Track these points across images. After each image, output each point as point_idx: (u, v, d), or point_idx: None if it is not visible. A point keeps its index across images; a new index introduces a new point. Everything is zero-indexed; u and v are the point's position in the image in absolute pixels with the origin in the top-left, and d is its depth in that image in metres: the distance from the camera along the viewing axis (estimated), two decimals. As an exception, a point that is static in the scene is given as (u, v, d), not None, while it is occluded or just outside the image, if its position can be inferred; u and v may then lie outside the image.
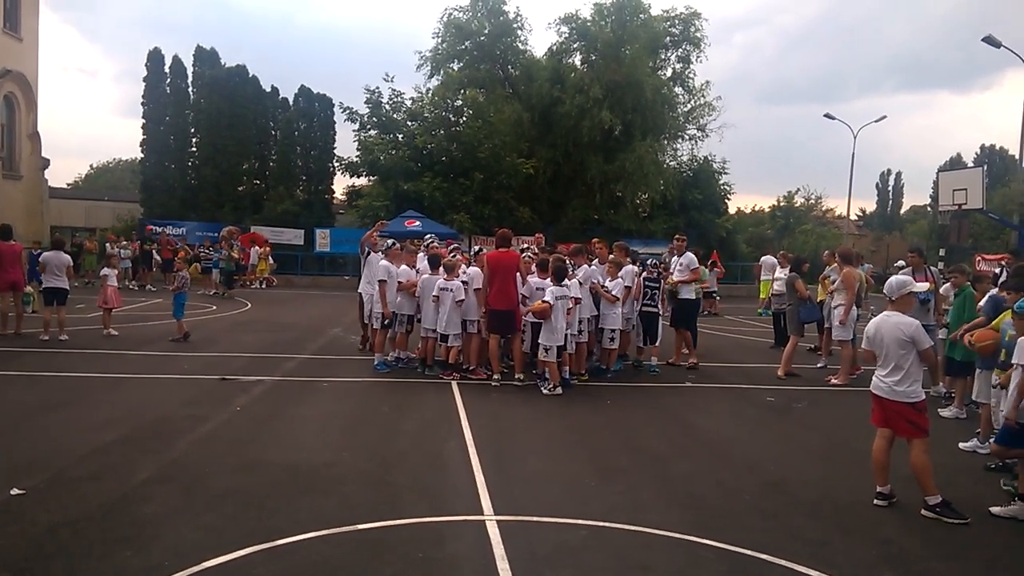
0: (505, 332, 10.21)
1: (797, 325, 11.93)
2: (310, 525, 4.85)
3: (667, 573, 4.44)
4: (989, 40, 23.70)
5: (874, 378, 5.83)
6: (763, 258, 22.53)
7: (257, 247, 29.31)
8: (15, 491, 5.32)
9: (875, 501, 5.70)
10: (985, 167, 27.52)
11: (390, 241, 11.74)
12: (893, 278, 5.99)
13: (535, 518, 5.15)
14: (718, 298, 23.84)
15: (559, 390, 9.61)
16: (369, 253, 11.71)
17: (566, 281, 9.80)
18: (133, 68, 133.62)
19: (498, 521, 5.05)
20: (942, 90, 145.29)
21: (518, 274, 10.25)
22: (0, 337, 12.67)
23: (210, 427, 7.38)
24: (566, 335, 9.80)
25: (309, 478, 5.91)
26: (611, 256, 11.54)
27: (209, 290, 24.07)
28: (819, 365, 12.29)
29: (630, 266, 11.42)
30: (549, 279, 9.77)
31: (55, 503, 5.17)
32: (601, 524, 5.06)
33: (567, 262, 10.42)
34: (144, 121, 36.33)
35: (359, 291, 12.11)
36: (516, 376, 10.12)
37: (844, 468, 6.77)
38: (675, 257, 12.46)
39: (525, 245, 11.66)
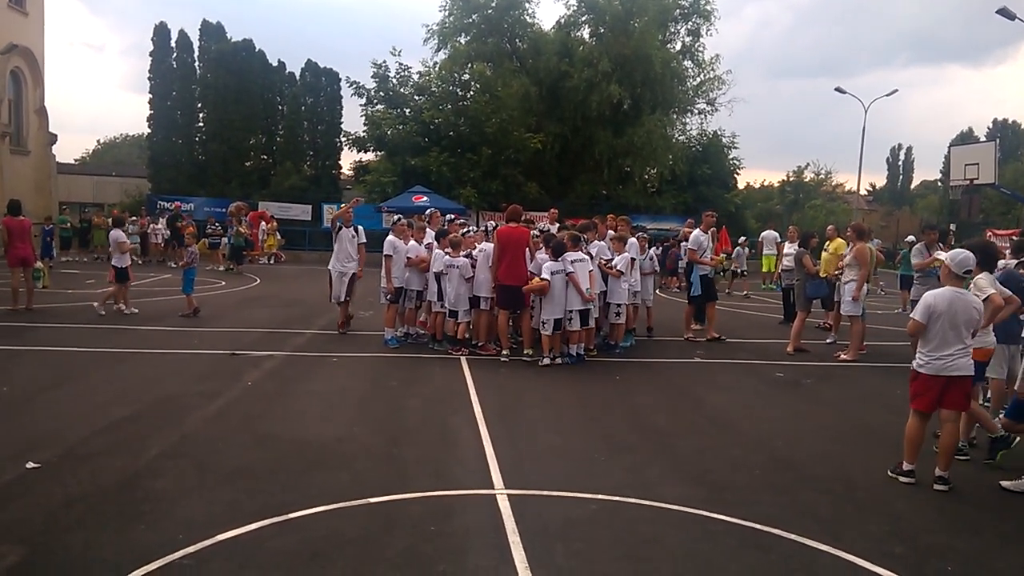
0: (514, 307, 10.21)
1: (804, 300, 11.91)
2: (321, 499, 4.88)
3: (677, 547, 4.46)
4: (1004, 12, 23.33)
5: (935, 360, 5.52)
6: (763, 233, 22.44)
7: (264, 223, 29.31)
8: (31, 464, 5.37)
9: (904, 479, 5.64)
10: (997, 141, 27.21)
11: (396, 216, 11.73)
12: (960, 253, 5.86)
13: (545, 492, 5.17)
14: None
15: (559, 360, 9.81)
16: (341, 229, 11.66)
17: (566, 255, 9.78)
18: (140, 42, 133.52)
19: (508, 495, 5.07)
20: (954, 64, 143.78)
21: (527, 250, 10.23)
22: (11, 312, 12.72)
23: (221, 402, 7.42)
24: (577, 310, 9.79)
25: (320, 453, 5.94)
26: (615, 232, 11.50)
27: (218, 266, 24.12)
28: (828, 341, 12.26)
29: (632, 239, 11.40)
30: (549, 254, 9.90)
31: (70, 477, 5.22)
32: (611, 498, 5.08)
33: (582, 238, 10.41)
34: (151, 96, 36.22)
35: (328, 267, 11.86)
36: (524, 352, 10.15)
37: (854, 444, 6.77)
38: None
39: (543, 224, 11.61)
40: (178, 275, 14.47)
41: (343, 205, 12.59)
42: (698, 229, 12.54)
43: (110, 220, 16.38)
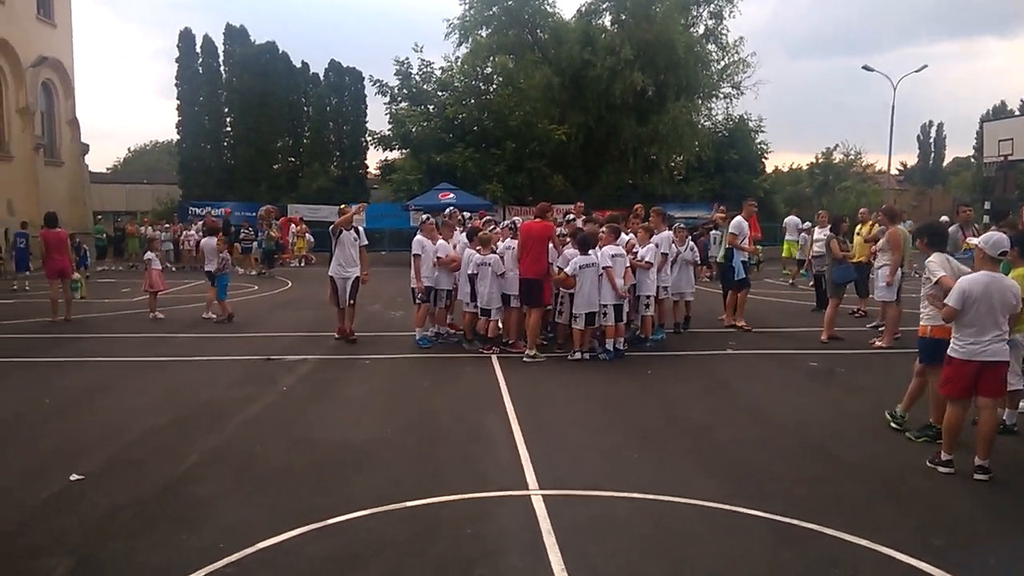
0: (533, 303, 10.16)
1: (833, 287, 11.75)
2: (360, 503, 4.95)
3: (712, 543, 4.46)
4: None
5: (971, 345, 5.41)
6: (787, 219, 22.18)
7: (294, 225, 29.60)
8: (75, 476, 5.50)
9: (943, 469, 5.56)
10: (1032, 115, 26.64)
11: (424, 216, 11.77)
12: (993, 235, 5.78)
13: (579, 492, 5.20)
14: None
15: (586, 356, 9.87)
16: (341, 232, 11.17)
17: (605, 249, 9.79)
18: (166, 47, 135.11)
19: (543, 495, 5.10)
20: (985, 36, 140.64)
21: (551, 246, 10.24)
22: (51, 324, 13.00)
23: (257, 408, 7.54)
24: (612, 304, 9.79)
25: (356, 456, 6.02)
26: (645, 222, 11.48)
27: (250, 270, 24.42)
28: (871, 325, 12.13)
29: (666, 232, 11.34)
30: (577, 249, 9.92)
31: (113, 487, 5.34)
32: (644, 496, 5.08)
33: (619, 229, 10.40)
34: (179, 102, 36.77)
35: (330, 274, 11.30)
36: (527, 352, 9.98)
37: (890, 433, 6.70)
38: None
39: (571, 216, 11.58)
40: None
41: (343, 207, 12.15)
42: (740, 216, 12.59)
43: (203, 230, 16.57)
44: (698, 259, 12.70)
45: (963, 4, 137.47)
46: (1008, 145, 21.39)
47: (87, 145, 35.11)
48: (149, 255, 14.44)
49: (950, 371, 5.60)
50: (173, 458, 5.95)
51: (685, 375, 9.33)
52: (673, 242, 11.54)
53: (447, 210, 12.77)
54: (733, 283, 12.43)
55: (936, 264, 6.08)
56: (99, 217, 33.75)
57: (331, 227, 11.46)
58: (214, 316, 13.53)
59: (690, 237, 12.98)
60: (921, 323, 6.36)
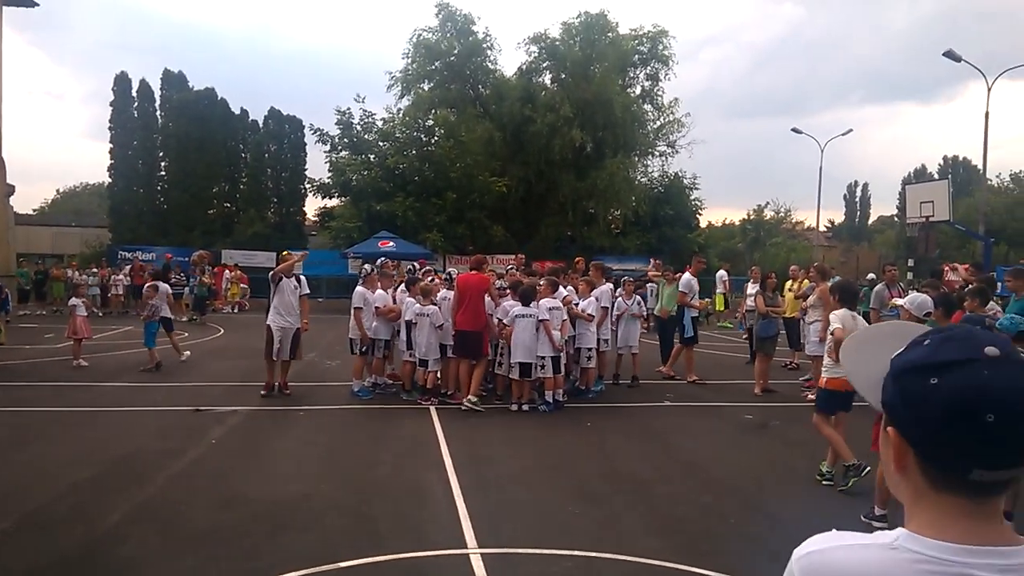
0: (472, 355, 10.14)
1: (759, 341, 11.99)
2: (292, 564, 4.76)
3: (654, 603, 4.42)
4: (949, 55, 24.18)
5: None
6: (717, 273, 23.00)
7: (228, 272, 28.99)
8: (-15, 536, 5.18)
9: (877, 524, 5.59)
10: (949, 179, 28.03)
11: (368, 267, 11.66)
12: (918, 298, 6.01)
13: (519, 550, 5.10)
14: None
15: (525, 407, 9.87)
16: (281, 280, 10.65)
17: (542, 302, 9.86)
18: (101, 90, 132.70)
19: (482, 554, 4.99)
20: (906, 102, 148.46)
21: (488, 297, 10.26)
22: (-34, 371, 12.37)
23: (185, 461, 7.25)
24: (550, 356, 9.81)
25: (289, 513, 5.81)
26: (585, 276, 11.61)
27: (180, 316, 23.73)
28: (803, 379, 12.41)
29: (606, 285, 11.48)
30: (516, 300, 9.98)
31: (28, 547, 5.04)
32: (586, 554, 5.02)
33: (558, 283, 10.47)
34: (112, 145, 36.01)
35: (268, 323, 10.69)
36: (468, 398, 9.87)
37: (826, 488, 6.79)
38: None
39: (510, 266, 11.62)
40: (140, 327, 14.20)
41: (285, 253, 11.41)
42: (687, 272, 12.91)
43: (152, 275, 16.22)
44: (644, 312, 12.82)
45: (887, 73, 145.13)
46: (929, 207, 22.38)
47: (13, 186, 33.89)
48: (74, 301, 13.90)
49: (879, 428, 5.72)
50: (94, 516, 5.65)
51: (624, 428, 9.35)
52: (620, 295, 11.72)
53: (378, 260, 12.53)
54: (683, 339, 12.60)
55: (837, 318, 6.57)
56: (22, 260, 32.51)
57: (271, 273, 10.89)
58: (183, 357, 13.62)
59: (637, 291, 13.15)
60: (822, 375, 6.65)
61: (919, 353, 1.09)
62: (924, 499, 1.08)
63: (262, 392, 10.56)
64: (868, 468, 6.51)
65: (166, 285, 14.13)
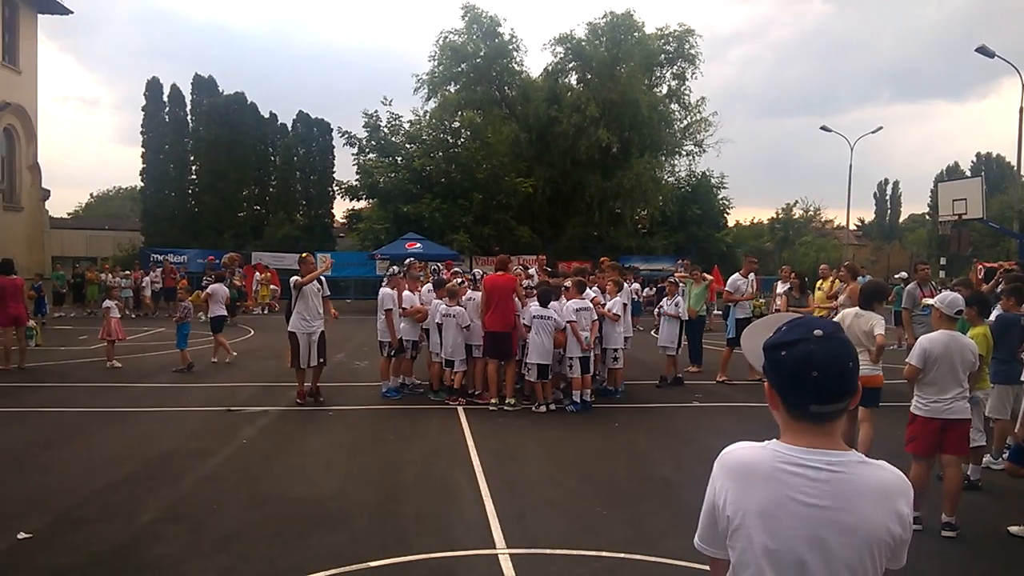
0: (502, 356, 10.16)
1: None
2: (321, 564, 4.80)
3: (684, 605, 4.38)
4: (983, 50, 23.78)
5: (933, 403, 5.51)
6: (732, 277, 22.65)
7: (258, 273, 29.28)
8: (22, 535, 5.26)
9: (914, 526, 5.59)
10: (983, 176, 27.53)
11: (394, 268, 11.69)
12: (948, 295, 5.89)
13: (548, 551, 5.09)
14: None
15: (552, 407, 9.93)
16: (302, 288, 10.22)
17: (570, 303, 9.85)
18: (133, 95, 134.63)
19: (511, 554, 4.99)
20: (938, 99, 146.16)
21: (516, 298, 10.26)
22: (3, 372, 12.60)
23: (217, 462, 7.33)
24: (578, 357, 9.80)
25: (318, 513, 5.85)
26: (611, 276, 11.58)
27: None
28: None
29: (627, 285, 11.54)
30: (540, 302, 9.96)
31: (63, 546, 5.12)
32: (615, 555, 5.00)
33: (585, 283, 10.46)
34: (144, 150, 36.51)
35: (291, 330, 10.26)
36: (506, 401, 10.04)
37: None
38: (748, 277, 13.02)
39: (532, 267, 11.60)
40: (172, 329, 14.40)
41: (305, 256, 10.88)
42: (737, 273, 13.16)
43: (213, 276, 16.55)
44: (685, 315, 12.47)
45: (917, 70, 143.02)
46: (962, 204, 21.99)
47: (48, 191, 34.60)
48: (108, 303, 14.12)
49: (914, 429, 5.65)
50: (127, 516, 5.73)
51: (653, 428, 9.29)
52: (639, 294, 11.70)
53: (406, 261, 12.43)
54: (731, 340, 12.53)
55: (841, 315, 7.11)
56: (57, 264, 33.12)
57: (292, 282, 10.38)
58: (218, 360, 14.01)
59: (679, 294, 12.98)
60: None
61: (776, 336, 1.74)
62: (787, 424, 1.75)
63: (297, 401, 10.25)
64: None
65: (223, 286, 14.68)
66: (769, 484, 1.70)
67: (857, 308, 7.05)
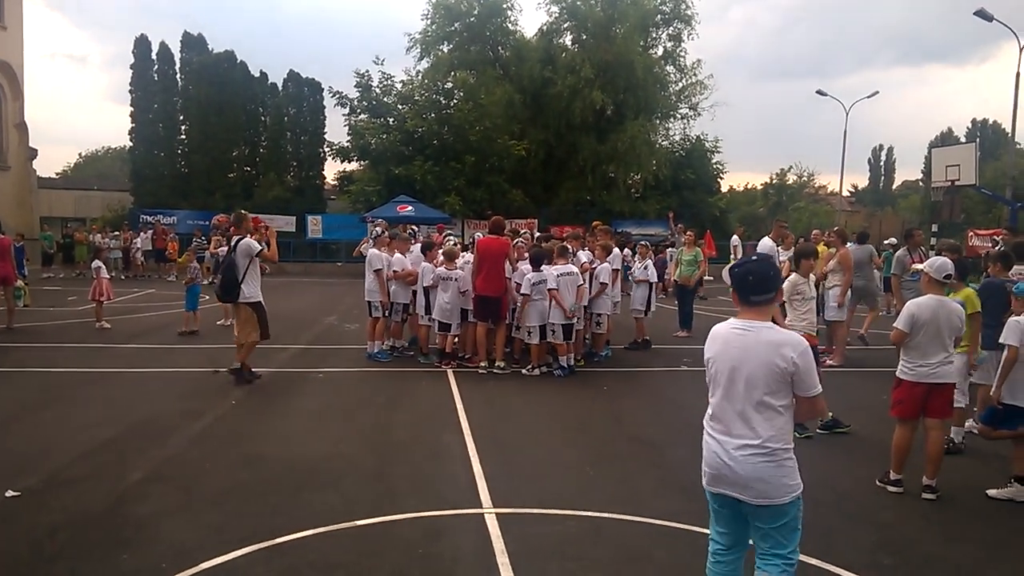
0: (493, 319, 10.17)
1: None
2: (309, 522, 4.84)
3: (669, 564, 4.45)
4: (981, 14, 23.58)
5: (919, 367, 5.53)
6: (732, 238, 22.68)
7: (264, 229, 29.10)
8: (10, 493, 5.29)
9: (892, 488, 5.68)
10: (977, 142, 27.47)
11: (379, 230, 11.64)
12: (937, 259, 5.90)
13: (534, 510, 5.14)
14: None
15: (552, 371, 9.90)
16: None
17: (553, 268, 9.79)
18: (122, 53, 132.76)
19: (497, 514, 5.04)
20: (937, 63, 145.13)
21: (507, 262, 10.22)
22: (-8, 332, 12.57)
23: (206, 422, 7.35)
24: (560, 324, 9.79)
25: (307, 473, 5.89)
26: (601, 239, 11.58)
27: (203, 280, 23.92)
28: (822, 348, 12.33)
29: (617, 250, 11.50)
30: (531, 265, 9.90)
31: (53, 504, 5.15)
32: (601, 515, 5.06)
33: (569, 248, 10.43)
34: (132, 109, 36.01)
35: (258, 299, 9.32)
36: (496, 364, 10.11)
37: (840, 452, 6.79)
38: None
39: (524, 230, 11.52)
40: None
41: (243, 214, 9.93)
42: (767, 237, 12.81)
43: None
44: (653, 278, 12.56)
45: (917, 32, 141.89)
46: (955, 171, 22.00)
47: (35, 150, 34.27)
48: (96, 263, 14.06)
49: (900, 392, 5.69)
50: (117, 475, 5.76)
51: (641, 391, 9.36)
52: (632, 259, 11.69)
53: (381, 224, 12.02)
54: None
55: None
56: (45, 224, 32.90)
57: (247, 249, 9.15)
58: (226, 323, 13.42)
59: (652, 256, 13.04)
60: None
61: (734, 264, 3.32)
62: (740, 308, 3.27)
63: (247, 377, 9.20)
64: (849, 427, 7.29)
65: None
66: (724, 339, 3.28)
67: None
